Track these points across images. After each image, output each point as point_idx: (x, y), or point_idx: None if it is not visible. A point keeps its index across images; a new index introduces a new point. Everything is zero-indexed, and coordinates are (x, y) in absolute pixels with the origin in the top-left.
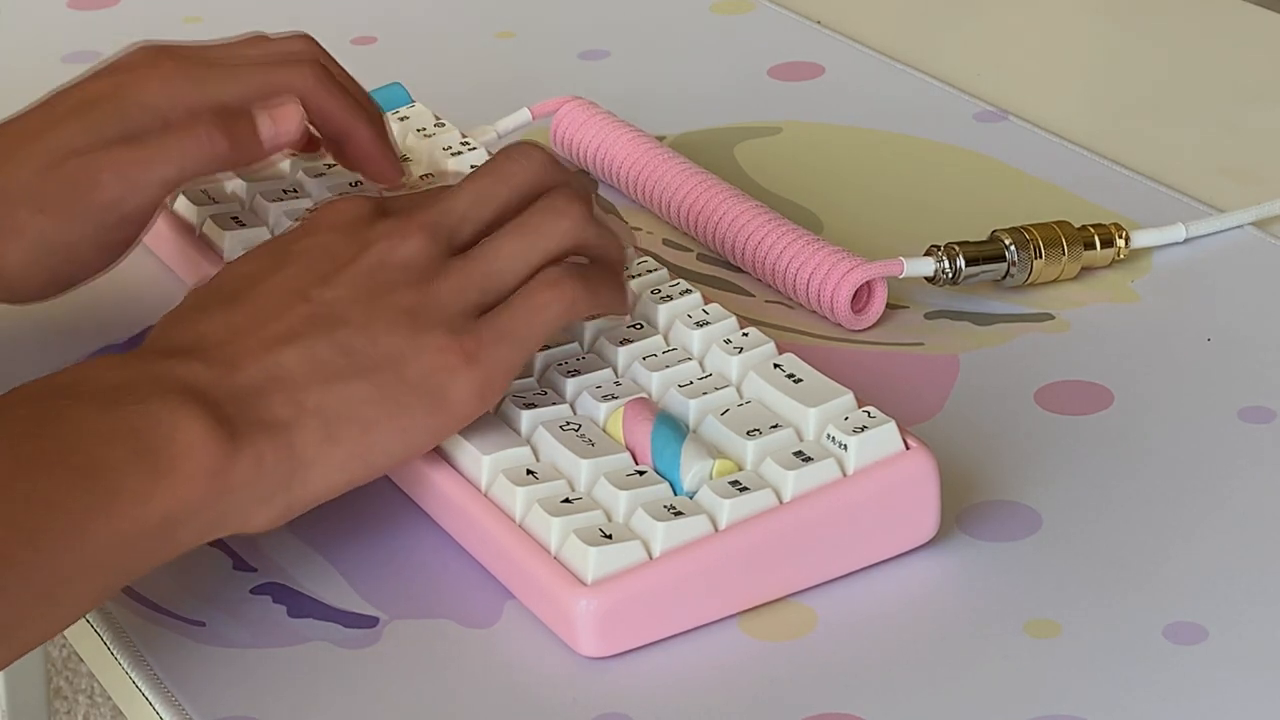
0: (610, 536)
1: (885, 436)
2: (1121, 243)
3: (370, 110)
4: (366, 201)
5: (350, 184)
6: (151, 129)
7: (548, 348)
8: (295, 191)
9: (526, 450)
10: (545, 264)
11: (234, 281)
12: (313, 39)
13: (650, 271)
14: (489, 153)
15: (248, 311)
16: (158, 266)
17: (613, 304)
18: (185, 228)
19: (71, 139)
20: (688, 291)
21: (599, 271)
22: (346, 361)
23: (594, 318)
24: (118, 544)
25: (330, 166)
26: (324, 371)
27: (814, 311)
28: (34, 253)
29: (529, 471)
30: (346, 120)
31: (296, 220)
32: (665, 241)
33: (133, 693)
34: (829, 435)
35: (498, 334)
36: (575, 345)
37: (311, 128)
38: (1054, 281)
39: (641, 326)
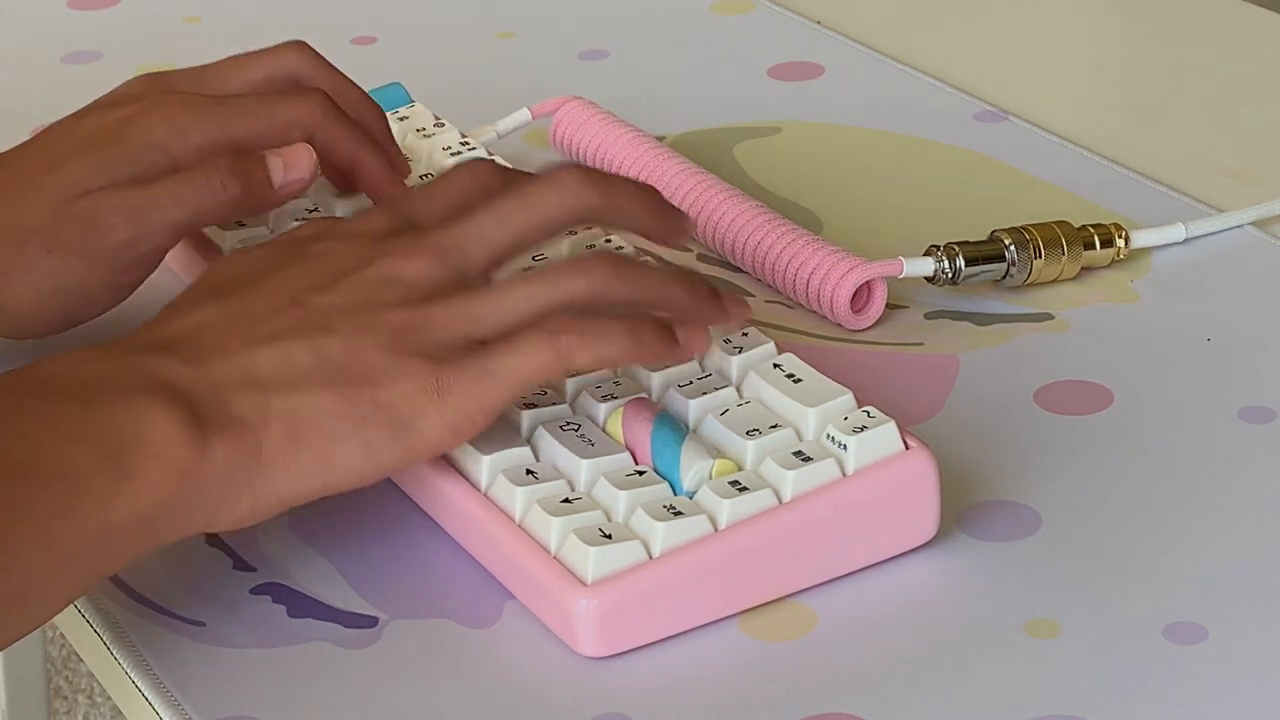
0: (610, 536)
1: (885, 436)
2: (1121, 243)
3: (377, 129)
4: (392, 217)
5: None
6: (162, 169)
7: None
8: None
9: (526, 450)
10: (555, 311)
11: (240, 272)
12: (306, 47)
13: None
14: (489, 152)
15: (238, 307)
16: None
17: (617, 359)
18: None
19: (81, 179)
20: None
21: (608, 326)
22: (320, 368)
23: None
24: (86, 545)
25: None
26: (295, 376)
27: (814, 311)
28: (42, 292)
29: (529, 471)
30: (352, 150)
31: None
32: None
33: (133, 693)
34: (829, 435)
35: (481, 371)
36: None
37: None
38: (1054, 281)
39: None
